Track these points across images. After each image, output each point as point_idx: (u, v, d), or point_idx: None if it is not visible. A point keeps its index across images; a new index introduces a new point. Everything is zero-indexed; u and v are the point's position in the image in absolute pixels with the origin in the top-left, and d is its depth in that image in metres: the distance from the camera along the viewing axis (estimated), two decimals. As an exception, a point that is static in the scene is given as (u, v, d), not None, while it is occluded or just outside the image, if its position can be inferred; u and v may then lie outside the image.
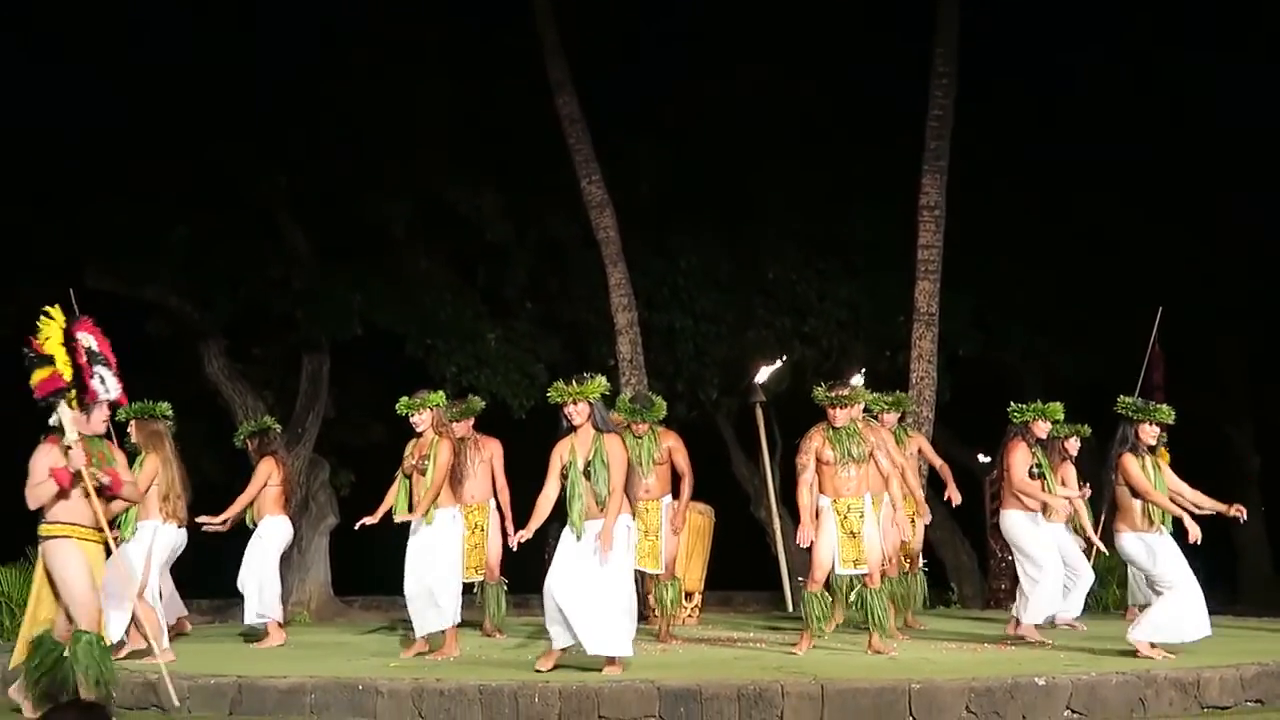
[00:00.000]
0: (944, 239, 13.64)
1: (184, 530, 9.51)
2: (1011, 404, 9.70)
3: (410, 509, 8.96)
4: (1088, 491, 10.33)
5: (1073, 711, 7.14)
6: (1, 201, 13.16)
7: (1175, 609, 8.27)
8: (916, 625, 10.71)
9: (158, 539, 9.10)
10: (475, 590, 10.18)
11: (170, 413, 9.41)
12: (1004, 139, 15.42)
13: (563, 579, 7.87)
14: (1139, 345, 10.83)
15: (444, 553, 8.90)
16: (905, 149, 14.09)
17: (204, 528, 9.73)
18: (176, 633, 10.35)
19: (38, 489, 6.80)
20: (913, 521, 10.07)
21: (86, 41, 13.50)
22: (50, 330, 6.98)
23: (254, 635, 10.18)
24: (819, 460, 8.71)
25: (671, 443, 9.78)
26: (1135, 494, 8.33)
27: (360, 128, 14.29)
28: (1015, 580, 13.95)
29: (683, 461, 9.79)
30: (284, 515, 10.22)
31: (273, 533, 10.11)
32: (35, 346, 6.98)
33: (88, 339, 7.02)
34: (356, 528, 9.38)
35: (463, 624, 9.32)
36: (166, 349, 15.01)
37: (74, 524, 6.85)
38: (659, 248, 15.53)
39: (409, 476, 9.01)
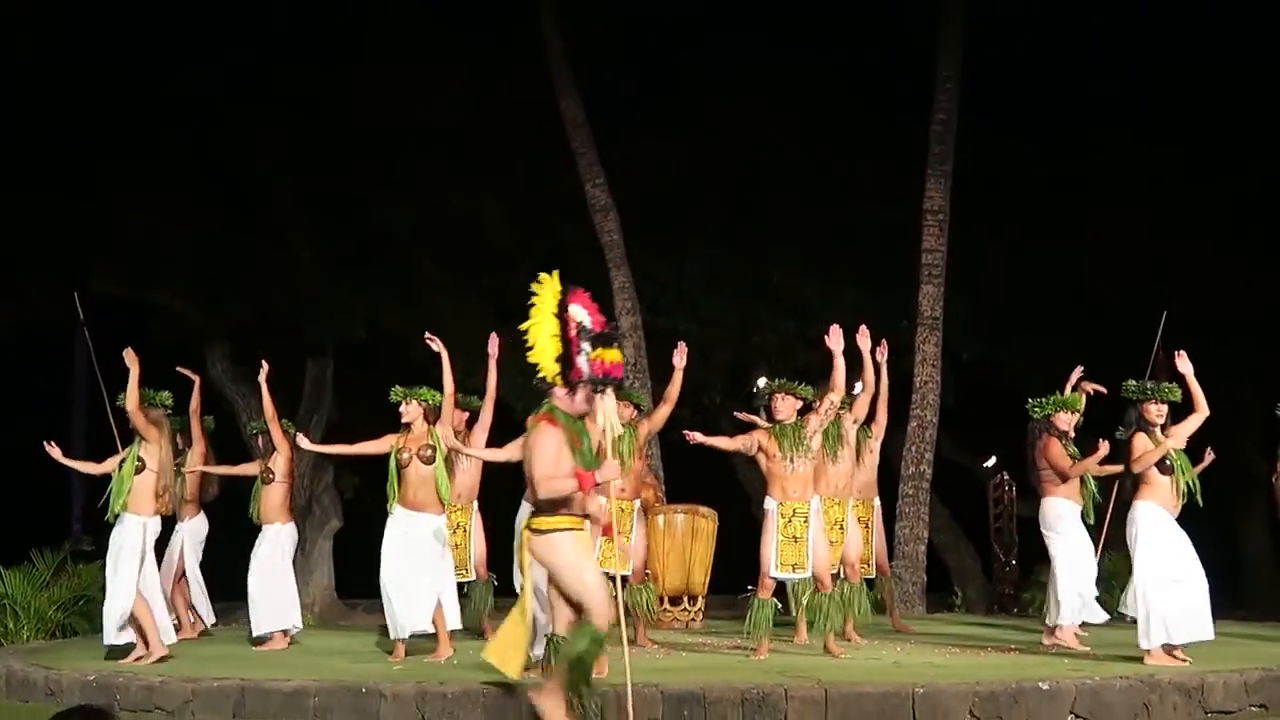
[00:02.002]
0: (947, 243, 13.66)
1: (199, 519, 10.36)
2: (1030, 400, 9.51)
3: (399, 500, 9.01)
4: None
5: (1077, 716, 7.13)
6: (8, 204, 13.18)
7: (1180, 605, 8.18)
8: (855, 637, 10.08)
9: (148, 530, 9.11)
10: (466, 590, 10.12)
11: (170, 401, 9.54)
12: (1007, 142, 15.41)
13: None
14: (1143, 349, 10.78)
15: (422, 551, 8.92)
16: (909, 153, 14.08)
17: None
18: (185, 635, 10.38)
19: (555, 483, 6.34)
20: (867, 525, 10.03)
21: (92, 42, 13.53)
22: (544, 300, 6.54)
23: (258, 638, 10.17)
24: (765, 454, 8.88)
25: (643, 427, 9.78)
26: (1139, 474, 8.31)
27: (365, 132, 14.31)
28: (1018, 584, 13.98)
29: (651, 416, 9.92)
30: (290, 522, 10.25)
31: (280, 539, 10.11)
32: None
33: (580, 313, 6.53)
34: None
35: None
36: (171, 352, 14.98)
37: (573, 515, 6.48)
38: (662, 252, 15.52)
39: (402, 468, 9.03)
